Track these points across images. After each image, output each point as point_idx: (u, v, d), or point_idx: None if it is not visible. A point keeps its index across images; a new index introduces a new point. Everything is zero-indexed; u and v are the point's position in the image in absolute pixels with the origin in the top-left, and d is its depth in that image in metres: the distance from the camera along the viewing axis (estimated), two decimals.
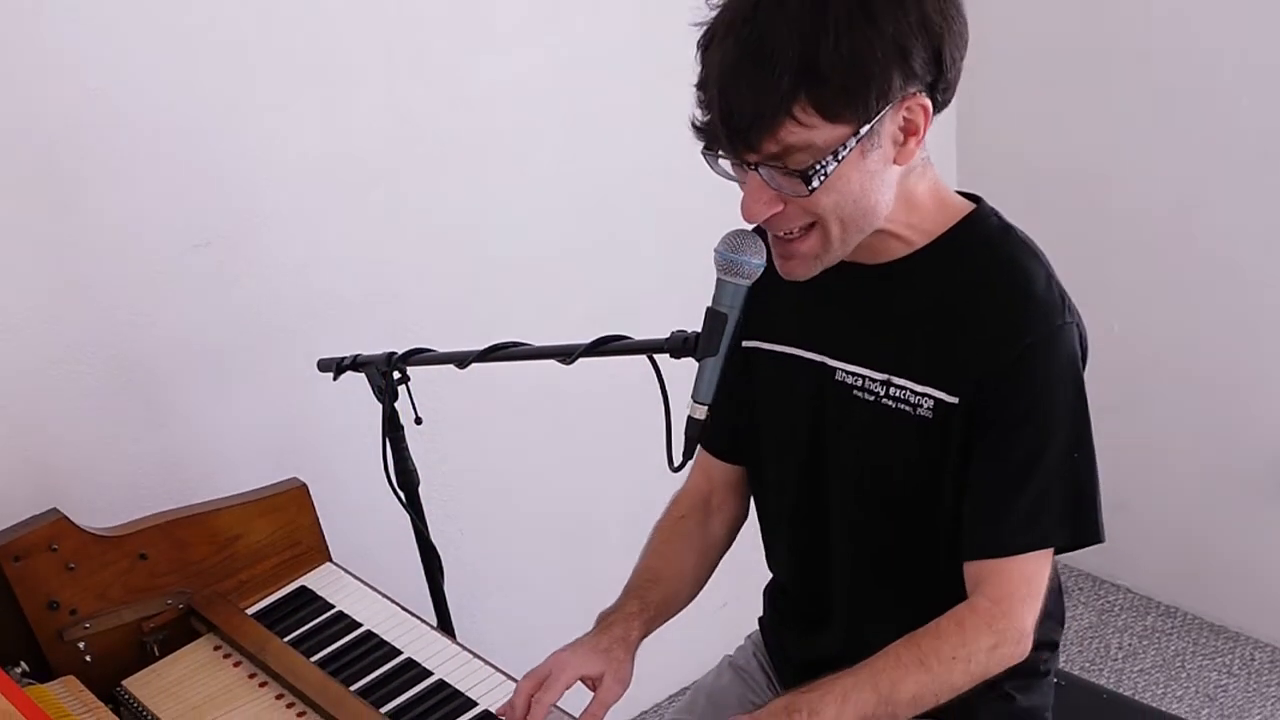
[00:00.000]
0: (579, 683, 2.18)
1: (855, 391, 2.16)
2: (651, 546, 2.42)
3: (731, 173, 2.00)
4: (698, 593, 2.41)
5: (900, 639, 2.06)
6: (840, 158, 1.89)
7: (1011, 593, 2.07)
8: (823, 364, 2.20)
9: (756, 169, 1.93)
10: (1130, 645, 3.93)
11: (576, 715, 2.16)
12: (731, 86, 1.87)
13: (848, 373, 2.17)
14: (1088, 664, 3.86)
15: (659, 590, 2.33)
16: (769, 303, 2.21)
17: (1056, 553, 2.12)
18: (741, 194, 2.00)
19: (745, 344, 2.30)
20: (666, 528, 2.44)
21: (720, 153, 1.96)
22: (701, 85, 1.94)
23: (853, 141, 1.89)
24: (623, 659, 2.21)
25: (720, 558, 2.46)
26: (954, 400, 2.07)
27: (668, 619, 2.34)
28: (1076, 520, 2.09)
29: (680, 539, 2.41)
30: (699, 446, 2.41)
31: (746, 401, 2.33)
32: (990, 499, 2.08)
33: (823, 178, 1.90)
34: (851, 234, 2.01)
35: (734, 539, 2.48)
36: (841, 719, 1.97)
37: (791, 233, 2.01)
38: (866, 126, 1.89)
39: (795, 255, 2.04)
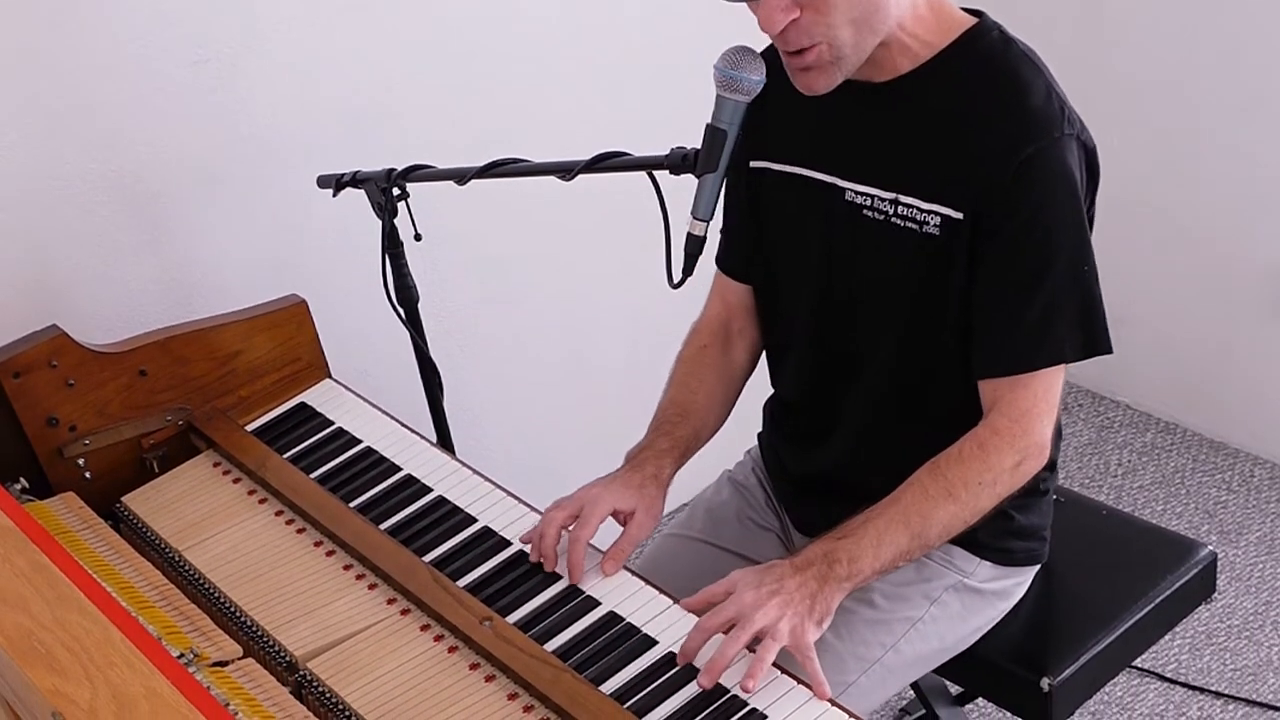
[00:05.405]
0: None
1: (865, 211, 2.17)
2: (675, 379, 2.42)
3: None
4: (724, 422, 2.43)
5: (923, 468, 2.09)
6: None
7: (1030, 409, 2.09)
8: (832, 185, 2.20)
9: None
10: (1130, 462, 3.94)
11: (600, 549, 2.18)
12: None
13: (856, 192, 2.17)
14: (1087, 480, 3.88)
15: (687, 424, 2.34)
16: (777, 123, 2.21)
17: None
18: (752, 13, 2.00)
19: (753, 164, 2.30)
20: (689, 358, 2.44)
21: None
22: None
23: None
24: (655, 495, 2.24)
25: (744, 385, 2.47)
26: (959, 216, 2.07)
27: (696, 451, 2.36)
28: (1087, 332, 2.11)
29: (704, 368, 2.42)
30: (717, 271, 2.43)
31: (760, 222, 2.33)
32: (1001, 315, 2.09)
33: None
34: (865, 36, 2.02)
35: (756, 365, 2.48)
36: (879, 561, 2.02)
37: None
38: None
39: (812, 66, 2.04)
